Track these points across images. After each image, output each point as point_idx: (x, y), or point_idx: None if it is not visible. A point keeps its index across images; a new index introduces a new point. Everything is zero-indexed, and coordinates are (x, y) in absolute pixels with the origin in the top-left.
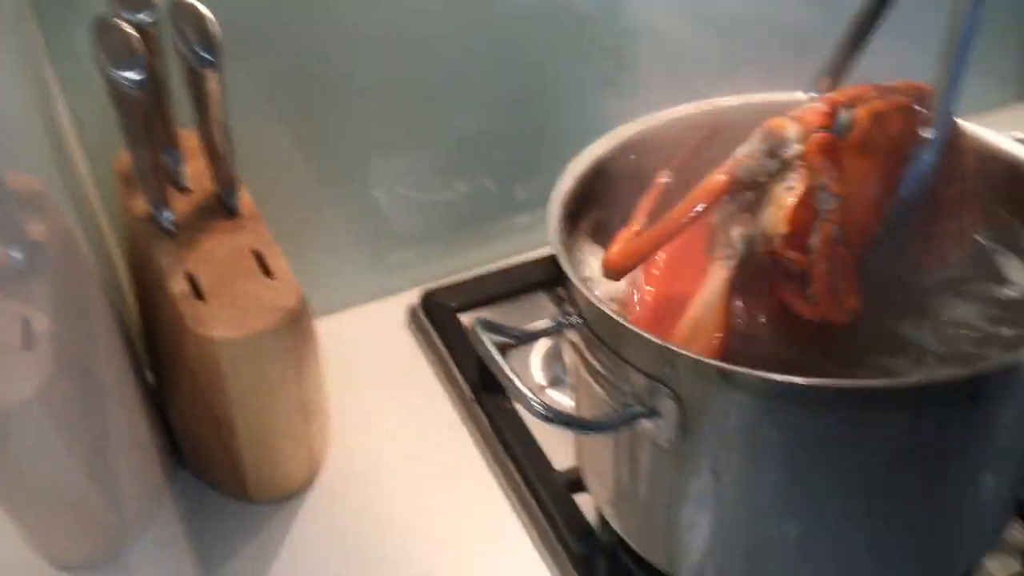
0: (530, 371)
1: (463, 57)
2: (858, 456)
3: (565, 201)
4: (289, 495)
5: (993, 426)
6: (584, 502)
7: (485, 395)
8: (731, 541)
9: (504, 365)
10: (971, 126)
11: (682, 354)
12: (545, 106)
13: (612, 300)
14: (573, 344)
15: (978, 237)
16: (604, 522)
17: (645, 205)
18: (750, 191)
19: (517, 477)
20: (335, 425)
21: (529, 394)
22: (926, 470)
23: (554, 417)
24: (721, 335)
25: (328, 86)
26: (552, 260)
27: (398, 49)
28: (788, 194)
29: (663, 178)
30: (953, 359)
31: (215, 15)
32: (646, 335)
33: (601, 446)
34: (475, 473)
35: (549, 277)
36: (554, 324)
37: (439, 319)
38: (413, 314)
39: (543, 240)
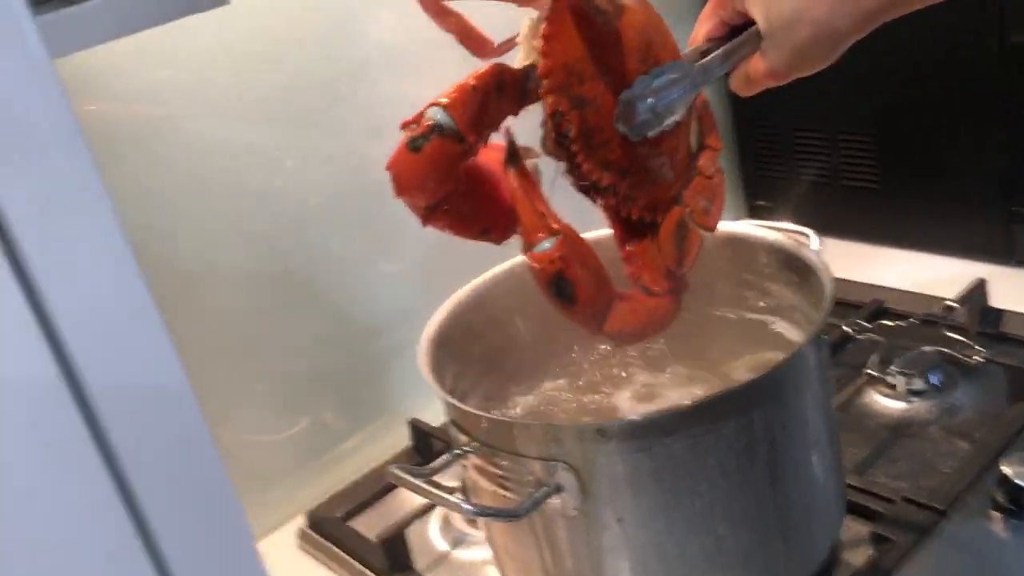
0: (431, 542)
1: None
2: (715, 462)
3: (431, 347)
4: None
5: (801, 409)
6: None
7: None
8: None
9: (429, 487)
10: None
11: (564, 426)
12: (357, 333)
13: None
14: (474, 466)
15: None
16: None
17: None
18: None
19: None
20: None
21: (453, 498)
22: (764, 458)
23: (481, 511)
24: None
25: None
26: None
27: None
28: None
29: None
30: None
31: None
32: (532, 423)
33: (519, 542)
34: None
35: (414, 464)
36: (451, 455)
37: (333, 531)
38: (303, 536)
39: (392, 444)
